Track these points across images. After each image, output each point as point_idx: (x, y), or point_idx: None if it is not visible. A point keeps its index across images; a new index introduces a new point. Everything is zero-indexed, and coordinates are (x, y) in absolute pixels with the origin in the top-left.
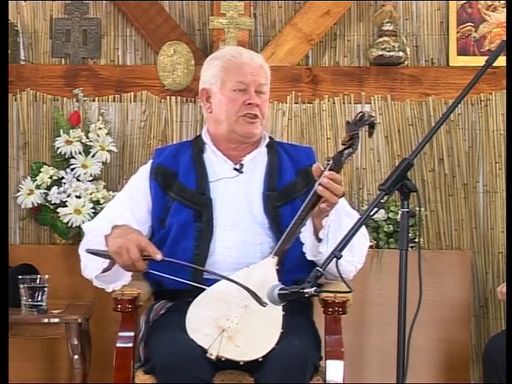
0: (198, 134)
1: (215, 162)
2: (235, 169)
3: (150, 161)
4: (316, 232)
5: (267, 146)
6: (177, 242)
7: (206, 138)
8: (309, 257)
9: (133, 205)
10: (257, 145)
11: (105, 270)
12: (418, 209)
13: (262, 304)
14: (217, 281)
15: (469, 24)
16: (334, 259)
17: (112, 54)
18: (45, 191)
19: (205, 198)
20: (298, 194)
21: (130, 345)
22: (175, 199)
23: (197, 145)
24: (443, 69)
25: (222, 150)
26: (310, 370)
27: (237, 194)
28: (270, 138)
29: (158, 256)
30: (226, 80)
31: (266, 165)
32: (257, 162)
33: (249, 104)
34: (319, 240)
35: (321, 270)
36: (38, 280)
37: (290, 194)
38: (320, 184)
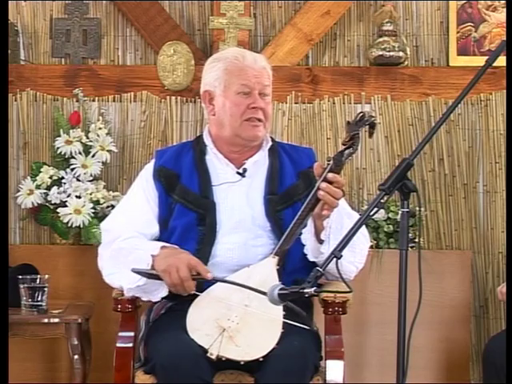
0: (198, 134)
1: (217, 164)
2: (238, 173)
3: (153, 160)
4: (317, 233)
5: (269, 148)
6: (179, 246)
7: (207, 139)
8: (310, 258)
9: (152, 204)
10: (258, 147)
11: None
12: (417, 209)
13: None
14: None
15: (469, 24)
16: (334, 259)
17: (112, 54)
18: (45, 191)
19: (208, 201)
20: (299, 197)
21: (130, 345)
22: (178, 201)
23: (198, 146)
24: (443, 69)
25: (224, 153)
26: (310, 369)
27: (239, 197)
28: (272, 139)
29: (209, 275)
30: (230, 83)
31: (268, 168)
32: (259, 165)
33: (253, 108)
34: (320, 241)
35: (321, 270)
36: (38, 280)
37: (291, 197)
38: (319, 188)
